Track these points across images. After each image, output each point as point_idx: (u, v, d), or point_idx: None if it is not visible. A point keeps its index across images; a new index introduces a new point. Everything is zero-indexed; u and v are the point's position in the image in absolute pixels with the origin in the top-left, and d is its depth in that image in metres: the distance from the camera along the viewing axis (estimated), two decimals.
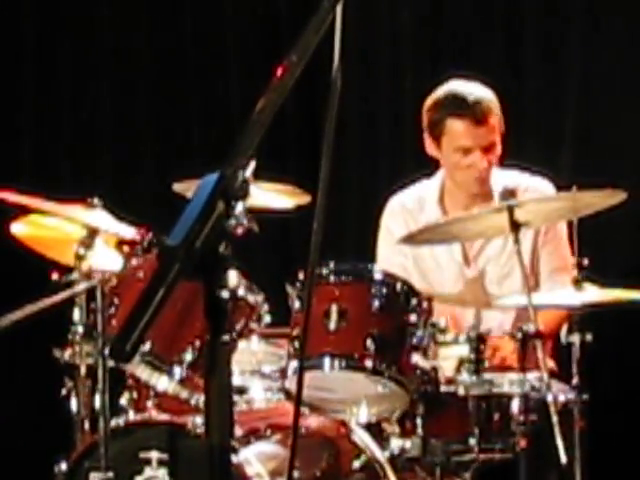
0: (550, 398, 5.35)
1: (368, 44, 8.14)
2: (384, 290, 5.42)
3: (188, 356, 5.26)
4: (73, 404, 5.90)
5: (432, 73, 7.51)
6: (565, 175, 6.21)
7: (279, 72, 2.79)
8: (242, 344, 5.53)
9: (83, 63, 9.22)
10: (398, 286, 5.45)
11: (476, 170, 6.09)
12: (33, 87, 9.24)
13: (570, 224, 5.82)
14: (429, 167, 6.41)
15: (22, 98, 9.29)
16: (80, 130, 9.00)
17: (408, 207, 6.32)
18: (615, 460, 5.94)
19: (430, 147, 6.21)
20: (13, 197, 5.65)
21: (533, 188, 5.97)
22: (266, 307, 5.50)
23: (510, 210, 5.40)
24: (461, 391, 5.47)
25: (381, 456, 5.51)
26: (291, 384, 5.45)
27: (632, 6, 7.80)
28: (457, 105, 6.13)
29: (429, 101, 6.27)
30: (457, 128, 6.11)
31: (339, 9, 2.80)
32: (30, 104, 9.22)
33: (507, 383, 5.46)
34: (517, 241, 5.44)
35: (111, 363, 5.23)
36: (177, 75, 8.78)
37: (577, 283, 5.60)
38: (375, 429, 5.63)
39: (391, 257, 6.06)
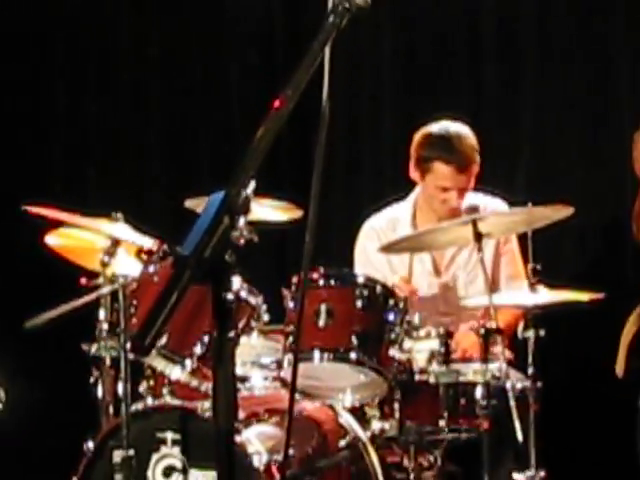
0: (509, 385, 5.43)
1: (352, 77, 8.11)
2: (366, 292, 5.48)
3: (198, 350, 5.29)
4: (99, 391, 5.95)
5: (407, 103, 7.49)
6: (522, 193, 6.22)
7: (276, 104, 2.84)
8: (244, 339, 5.57)
9: (107, 90, 9.13)
10: (378, 288, 5.52)
11: (449, 205, 6.13)
12: (65, 114, 9.16)
13: (525, 235, 5.86)
14: (405, 189, 6.41)
15: (54, 123, 9.17)
16: (105, 152, 8.98)
17: (381, 228, 6.35)
18: (564, 438, 5.96)
19: (414, 174, 6.24)
20: (47, 212, 5.68)
21: (491, 206, 5.99)
22: (264, 307, 5.55)
23: (474, 223, 5.46)
24: (432, 379, 5.54)
25: (363, 436, 5.57)
26: (286, 374, 5.51)
27: (581, 40, 7.79)
28: (446, 151, 6.13)
29: (421, 138, 6.25)
30: (442, 171, 6.12)
31: (327, 51, 2.84)
32: (60, 130, 9.16)
33: (471, 372, 5.54)
34: (480, 249, 5.50)
35: (131, 356, 5.26)
36: (189, 111, 8.75)
37: (531, 286, 5.66)
38: (358, 412, 5.70)
39: (371, 271, 6.07)
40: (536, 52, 7.93)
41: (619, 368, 3.93)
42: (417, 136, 6.26)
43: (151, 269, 5.45)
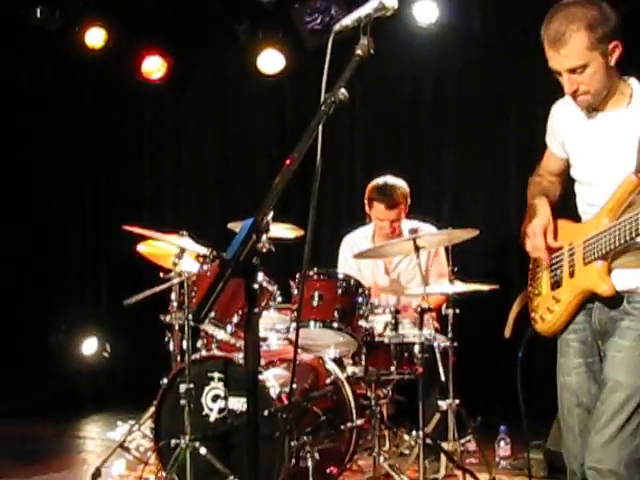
0: (436, 344, 5.43)
1: (334, 144, 8.05)
2: (344, 284, 5.48)
3: (235, 319, 5.30)
4: (170, 346, 6.00)
5: (371, 163, 7.47)
6: (445, 221, 6.23)
7: (287, 162, 2.86)
8: (264, 313, 5.57)
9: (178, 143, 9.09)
10: (352, 281, 5.52)
11: (385, 230, 6.14)
12: (149, 162, 9.17)
13: (447, 248, 5.87)
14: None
15: (145, 158, 9.18)
16: (176, 189, 8.94)
17: (354, 242, 6.34)
18: (472, 378, 5.95)
19: (367, 210, 6.23)
20: (138, 230, 5.69)
21: (425, 229, 5.99)
22: (278, 292, 5.58)
23: (414, 240, 5.45)
24: (386, 340, 5.52)
25: (341, 376, 5.55)
26: (291, 336, 5.54)
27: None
28: (380, 194, 6.10)
29: (369, 187, 6.20)
30: (378, 208, 6.11)
31: (320, 128, 2.87)
32: (147, 171, 9.18)
33: (412, 336, 5.50)
34: (418, 257, 5.49)
35: (192, 323, 5.26)
36: (235, 157, 8.70)
37: (451, 281, 5.68)
38: (338, 361, 5.66)
39: (348, 271, 6.08)
40: (456, 120, 7.89)
41: (507, 332, 3.92)
42: (368, 186, 6.24)
43: (205, 267, 5.47)
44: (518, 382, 3.69)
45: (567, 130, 3.76)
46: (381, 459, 5.57)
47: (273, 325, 5.74)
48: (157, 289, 5.77)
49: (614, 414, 3.50)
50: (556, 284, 3.75)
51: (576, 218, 3.77)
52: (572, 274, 3.67)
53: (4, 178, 9.08)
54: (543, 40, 3.48)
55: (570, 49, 3.39)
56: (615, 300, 3.57)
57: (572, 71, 3.42)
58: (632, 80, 3.58)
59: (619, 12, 3.52)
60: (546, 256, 3.76)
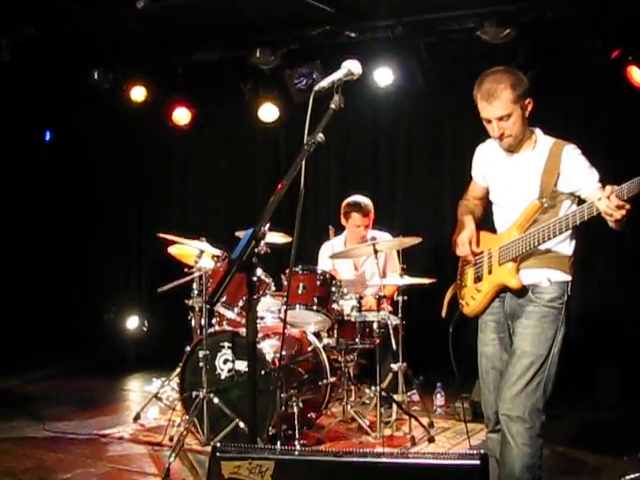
0: (389, 322, 5.43)
1: (314, 173, 8.04)
2: (321, 277, 5.46)
3: (240, 303, 5.26)
4: (192, 323, 5.97)
5: (342, 188, 7.43)
6: (397, 231, 6.19)
7: (279, 186, 2.85)
8: (262, 299, 5.54)
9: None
10: (327, 275, 5.50)
11: (360, 234, 6.07)
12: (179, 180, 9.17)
13: (399, 251, 5.85)
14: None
15: (175, 183, 9.13)
16: (199, 204, 8.94)
17: (332, 246, 6.27)
18: (416, 346, 5.90)
19: (343, 221, 6.15)
20: (169, 237, 5.66)
21: (382, 237, 5.95)
22: (272, 283, 5.54)
23: (374, 245, 5.44)
24: (352, 319, 5.51)
25: (319, 345, 5.56)
26: (282, 316, 5.48)
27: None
28: (356, 207, 6.02)
29: (344, 204, 6.11)
30: (355, 217, 6.02)
31: (303, 163, 2.85)
32: (178, 188, 9.11)
33: (371, 316, 5.48)
34: (377, 257, 5.48)
35: (208, 306, 5.23)
36: (237, 186, 8.70)
37: (401, 275, 5.67)
38: (317, 334, 5.65)
39: (325, 267, 6.03)
40: (406, 155, 7.87)
41: (443, 313, 3.92)
42: (343, 203, 6.15)
43: (218, 265, 5.44)
44: (450, 350, 3.68)
45: (488, 166, 3.79)
46: (348, 407, 5.61)
47: (268, 307, 5.71)
48: (182, 280, 5.81)
49: (521, 374, 3.52)
50: (478, 279, 3.76)
51: (493, 230, 3.80)
52: (490, 271, 3.68)
53: (75, 202, 9.27)
54: (476, 97, 3.52)
55: (500, 102, 3.43)
56: (522, 291, 3.59)
57: (500, 119, 3.46)
58: (537, 130, 3.64)
59: (528, 78, 3.57)
60: (471, 258, 3.79)
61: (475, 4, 6.22)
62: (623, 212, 3.12)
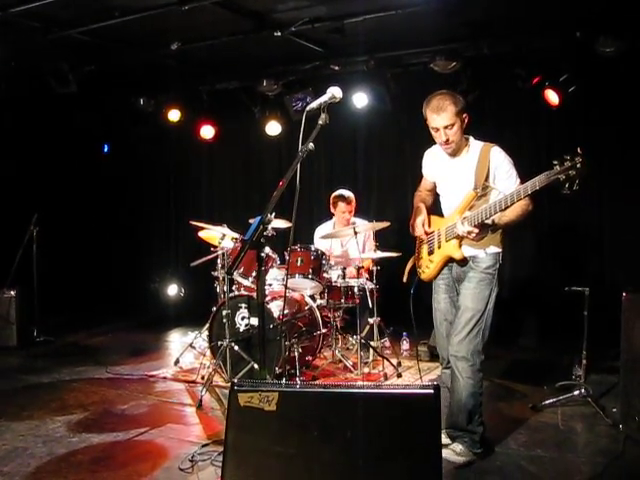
0: (367, 286, 5.41)
1: (308, 171, 8.00)
2: (315, 253, 5.42)
3: (253, 274, 5.22)
4: (217, 289, 5.92)
5: (330, 183, 7.35)
6: (372, 217, 6.13)
7: (280, 183, 2.84)
8: (270, 270, 5.50)
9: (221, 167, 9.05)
10: (319, 252, 5.46)
11: (346, 218, 6.03)
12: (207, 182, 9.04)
13: (374, 232, 5.83)
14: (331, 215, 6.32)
15: (203, 184, 9.00)
16: (222, 199, 8.88)
17: (323, 230, 6.22)
18: (387, 304, 5.86)
19: (332, 209, 6.09)
20: (199, 224, 5.63)
21: (360, 222, 5.91)
22: (277, 258, 5.49)
23: (354, 228, 5.42)
24: (338, 285, 5.47)
25: (314, 305, 5.53)
26: (285, 283, 5.44)
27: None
28: (342, 198, 5.97)
29: (333, 195, 6.04)
30: (341, 205, 5.97)
31: (298, 166, 2.83)
32: (206, 188, 9.00)
33: (353, 282, 5.44)
34: (356, 237, 5.46)
35: (228, 276, 5.21)
36: (251, 184, 8.64)
37: (375, 251, 5.64)
38: (312, 297, 5.62)
39: (319, 245, 5.99)
40: (379, 159, 7.78)
41: (404, 279, 3.93)
42: (331, 195, 6.08)
43: (236, 244, 5.40)
44: (411, 307, 3.69)
45: (433, 166, 3.82)
46: (336, 352, 5.60)
47: (275, 277, 5.64)
48: (209, 257, 5.80)
49: (465, 324, 3.55)
50: (431, 252, 3.77)
51: (440, 214, 3.82)
52: (439, 246, 3.70)
53: (129, 199, 9.27)
54: (425, 111, 3.55)
55: (446, 114, 3.46)
56: (464, 261, 3.62)
57: (446, 127, 3.49)
58: (470, 137, 3.66)
59: (465, 100, 3.58)
60: (424, 237, 3.81)
61: (429, 43, 6.30)
62: (472, 235, 3.40)
